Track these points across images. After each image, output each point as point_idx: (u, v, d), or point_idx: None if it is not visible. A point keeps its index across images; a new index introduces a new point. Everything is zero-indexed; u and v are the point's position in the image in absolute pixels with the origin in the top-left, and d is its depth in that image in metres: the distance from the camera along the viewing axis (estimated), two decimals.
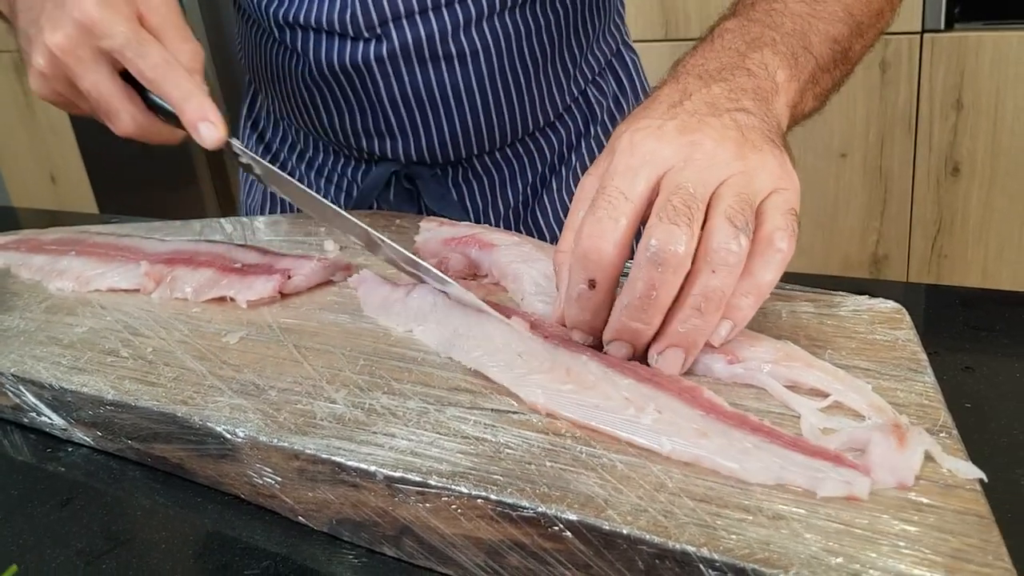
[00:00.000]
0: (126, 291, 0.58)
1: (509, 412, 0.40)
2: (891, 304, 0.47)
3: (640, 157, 0.41)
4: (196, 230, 0.70)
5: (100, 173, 2.59)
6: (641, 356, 0.43)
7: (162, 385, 0.46)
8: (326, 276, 0.57)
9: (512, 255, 0.54)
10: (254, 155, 0.53)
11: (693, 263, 0.39)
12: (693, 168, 0.40)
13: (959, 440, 0.36)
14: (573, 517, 0.33)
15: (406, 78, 0.71)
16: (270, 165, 0.54)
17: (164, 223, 0.73)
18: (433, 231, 0.61)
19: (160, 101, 0.53)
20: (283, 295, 0.55)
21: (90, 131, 2.43)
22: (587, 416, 0.39)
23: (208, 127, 0.51)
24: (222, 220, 0.71)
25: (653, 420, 0.38)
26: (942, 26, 1.53)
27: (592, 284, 0.41)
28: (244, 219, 0.71)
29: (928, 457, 0.35)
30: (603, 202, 0.41)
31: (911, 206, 1.66)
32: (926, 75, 1.55)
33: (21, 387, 0.49)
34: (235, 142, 0.53)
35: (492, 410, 0.41)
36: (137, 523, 0.43)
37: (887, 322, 0.46)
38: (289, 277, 0.55)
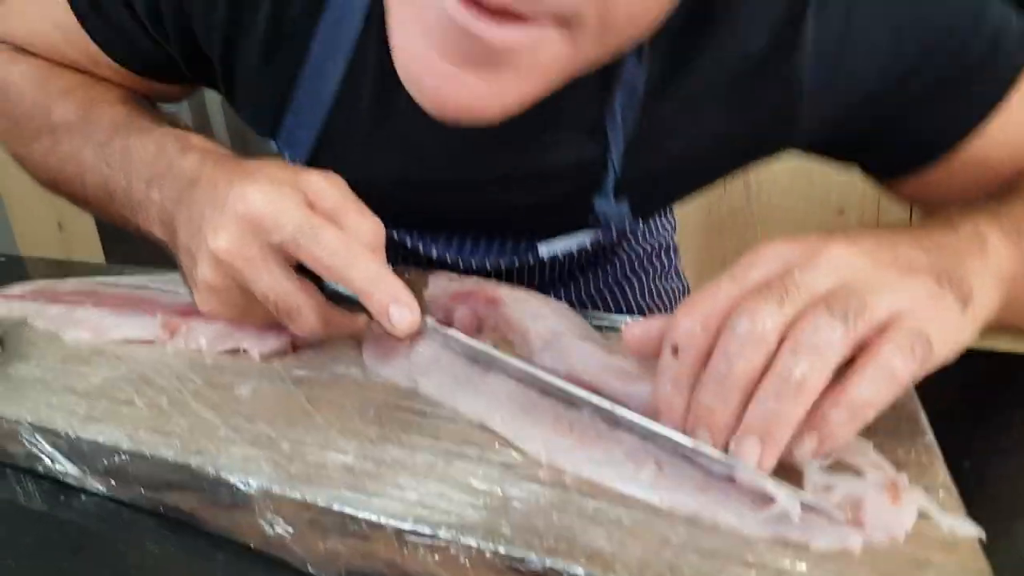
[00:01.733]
0: (141, 342, 0.59)
1: (516, 466, 0.41)
2: None
3: (763, 252, 0.40)
4: None
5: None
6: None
7: (177, 435, 0.47)
8: None
9: (519, 311, 0.55)
10: (458, 334, 0.49)
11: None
12: (812, 265, 0.38)
13: (958, 498, 0.37)
14: (580, 571, 0.34)
15: None
16: (479, 343, 0.48)
17: (178, 274, 0.74)
18: (442, 286, 0.62)
19: (338, 288, 0.48)
20: (296, 348, 0.56)
21: None
22: (587, 470, 0.40)
23: (400, 310, 0.45)
24: None
25: (653, 475, 0.39)
26: None
27: (675, 350, 0.39)
28: None
29: (926, 515, 0.35)
30: (709, 283, 0.40)
31: None
32: None
33: (37, 435, 0.50)
34: (431, 321, 0.49)
35: (500, 463, 0.41)
36: (148, 571, 0.43)
37: None
38: None
